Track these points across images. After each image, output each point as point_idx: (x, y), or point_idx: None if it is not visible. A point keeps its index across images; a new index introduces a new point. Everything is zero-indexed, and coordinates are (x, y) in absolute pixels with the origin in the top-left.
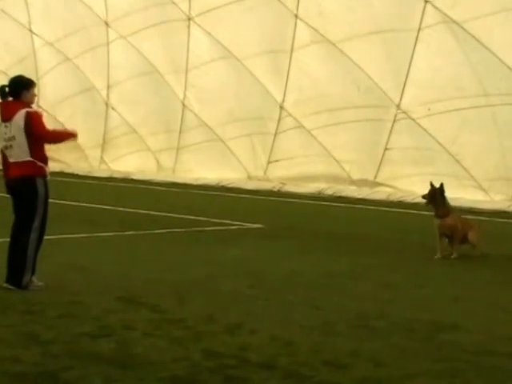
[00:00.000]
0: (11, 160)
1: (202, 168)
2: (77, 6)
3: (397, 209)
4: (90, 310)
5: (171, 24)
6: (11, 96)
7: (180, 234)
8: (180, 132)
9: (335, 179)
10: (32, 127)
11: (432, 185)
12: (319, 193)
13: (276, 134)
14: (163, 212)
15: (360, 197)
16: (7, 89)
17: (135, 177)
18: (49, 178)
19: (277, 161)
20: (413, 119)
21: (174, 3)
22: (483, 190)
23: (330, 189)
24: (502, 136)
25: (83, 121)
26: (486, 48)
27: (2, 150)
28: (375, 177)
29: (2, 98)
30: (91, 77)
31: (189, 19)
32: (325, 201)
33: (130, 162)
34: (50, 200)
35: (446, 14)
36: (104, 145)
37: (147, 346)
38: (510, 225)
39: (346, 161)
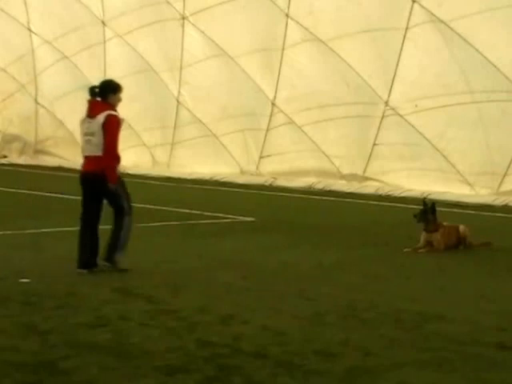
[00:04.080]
0: (85, 153)
1: (195, 163)
2: (74, 5)
3: (385, 202)
4: (86, 300)
5: (166, 23)
6: (99, 96)
7: (174, 227)
8: (174, 128)
9: (325, 174)
10: (106, 129)
11: (425, 203)
12: (310, 187)
13: (268, 129)
14: (158, 206)
15: (349, 191)
16: (97, 90)
17: (131, 171)
18: (119, 173)
19: (268, 156)
20: (401, 116)
21: (168, 3)
22: (469, 184)
23: (320, 183)
24: (487, 132)
25: (81, 117)
26: (472, 46)
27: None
28: (364, 171)
29: (91, 96)
30: (88, 74)
31: (183, 18)
32: (315, 195)
33: (125, 157)
34: (49, 194)
35: (432, 14)
36: None
37: (143, 335)
38: (495, 218)
39: (335, 156)
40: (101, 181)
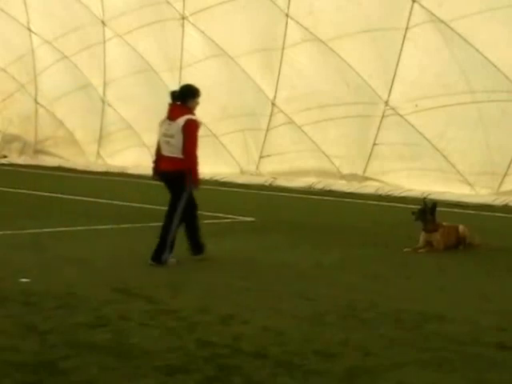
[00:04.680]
0: (164, 153)
1: None
2: (74, 5)
3: (385, 202)
4: (86, 300)
5: (166, 23)
6: (179, 100)
7: None
8: None
9: (325, 174)
10: (186, 133)
11: (425, 203)
12: (309, 187)
13: (268, 129)
14: (158, 206)
15: (349, 191)
16: (177, 93)
17: (131, 171)
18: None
19: (268, 156)
20: (401, 115)
21: (168, 3)
22: (469, 184)
23: (320, 183)
24: (488, 132)
25: (80, 117)
26: (472, 46)
27: (158, 142)
28: (364, 171)
29: (172, 100)
30: (88, 74)
31: (183, 18)
32: (315, 195)
33: (125, 157)
34: (49, 194)
35: (433, 14)
36: (101, 140)
37: (142, 335)
38: (495, 218)
39: (335, 156)
40: (176, 180)
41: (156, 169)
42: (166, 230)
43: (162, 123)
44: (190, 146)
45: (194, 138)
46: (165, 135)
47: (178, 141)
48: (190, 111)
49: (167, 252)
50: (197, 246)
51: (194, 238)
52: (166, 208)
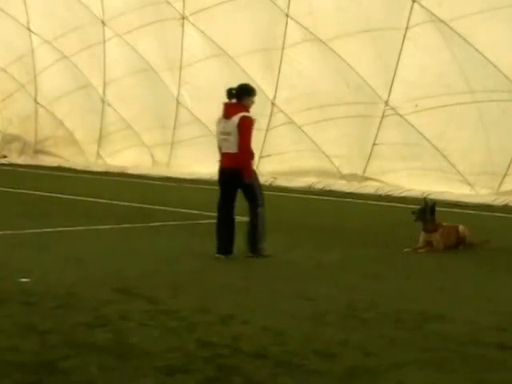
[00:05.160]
0: (223, 150)
1: (195, 163)
2: (74, 5)
3: (385, 202)
4: (86, 300)
5: (166, 23)
6: (236, 98)
7: (174, 227)
8: (174, 128)
9: (325, 174)
10: (241, 130)
11: (426, 203)
12: (309, 187)
13: (267, 129)
14: (158, 205)
15: (349, 191)
16: (234, 91)
17: (131, 171)
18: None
19: (268, 156)
20: (401, 115)
21: (168, 3)
22: (469, 184)
23: (320, 183)
24: (488, 132)
25: (80, 117)
26: (472, 46)
27: (218, 140)
28: (364, 171)
29: (228, 98)
30: (88, 74)
31: (183, 18)
32: (315, 195)
33: (125, 157)
34: (49, 194)
35: (432, 13)
36: (100, 140)
37: (142, 335)
38: (495, 218)
39: (335, 156)
40: (238, 175)
41: (220, 167)
42: (254, 223)
43: (218, 122)
44: (245, 142)
45: (249, 134)
46: (222, 133)
47: (234, 138)
48: (245, 109)
49: (262, 241)
50: (224, 246)
51: (221, 239)
52: (166, 208)
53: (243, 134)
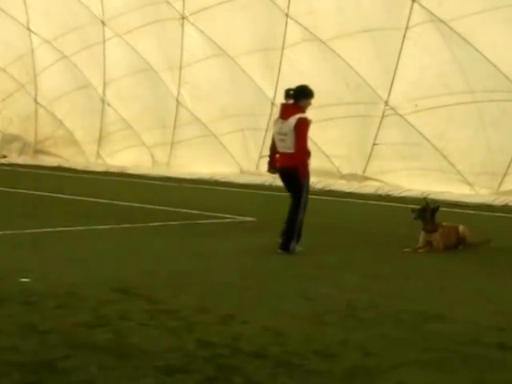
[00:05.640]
0: (280, 150)
1: (195, 163)
2: (74, 5)
3: (385, 202)
4: (86, 300)
5: (166, 23)
6: (293, 99)
7: (174, 227)
8: (174, 128)
9: (325, 173)
10: (297, 130)
11: (427, 203)
12: (309, 187)
13: (267, 129)
14: (158, 205)
15: (349, 191)
16: (291, 92)
17: (131, 171)
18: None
19: (268, 156)
20: (400, 115)
21: (168, 2)
22: (469, 184)
23: (319, 183)
24: (488, 132)
25: (80, 117)
26: (472, 46)
27: (273, 139)
28: (364, 171)
29: (285, 98)
30: (88, 74)
31: (183, 18)
32: (315, 194)
33: (125, 157)
34: (49, 194)
35: (432, 13)
36: (100, 140)
37: (142, 335)
38: (495, 218)
39: (335, 156)
40: (293, 173)
41: (271, 163)
42: (291, 221)
43: (275, 122)
44: (301, 143)
45: (305, 135)
46: (279, 133)
47: (290, 138)
48: (302, 110)
49: (294, 241)
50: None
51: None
52: (166, 208)
53: (299, 135)
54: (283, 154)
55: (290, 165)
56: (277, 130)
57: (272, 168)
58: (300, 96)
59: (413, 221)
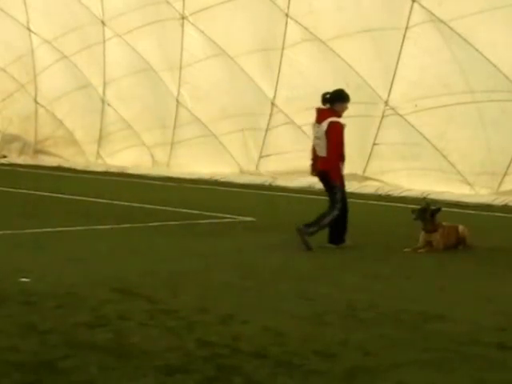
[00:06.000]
0: (317, 154)
1: (195, 163)
2: (74, 5)
3: (385, 202)
4: (86, 300)
5: (166, 23)
6: (328, 103)
7: (174, 227)
8: (174, 128)
9: None
10: (329, 135)
11: (427, 203)
12: (309, 187)
13: (267, 129)
14: (158, 205)
15: (349, 191)
16: (328, 96)
17: (131, 171)
18: (343, 172)
19: (268, 156)
20: (400, 115)
21: (168, 3)
22: (469, 184)
23: (320, 183)
24: (488, 132)
25: (80, 117)
26: (472, 46)
27: (313, 142)
28: (364, 171)
29: (322, 102)
30: (88, 74)
31: (183, 18)
32: (315, 194)
33: (125, 157)
34: (49, 194)
35: (432, 13)
36: (100, 140)
37: (142, 335)
38: (495, 218)
39: None
40: (326, 176)
41: (312, 166)
42: (322, 215)
43: (313, 126)
44: (332, 147)
45: (336, 139)
46: (315, 137)
47: (323, 142)
48: (336, 114)
49: (312, 230)
50: (334, 236)
51: (336, 230)
52: (166, 208)
53: (330, 140)
54: (319, 158)
55: (323, 168)
56: (313, 133)
57: (313, 171)
58: (335, 100)
59: (413, 221)
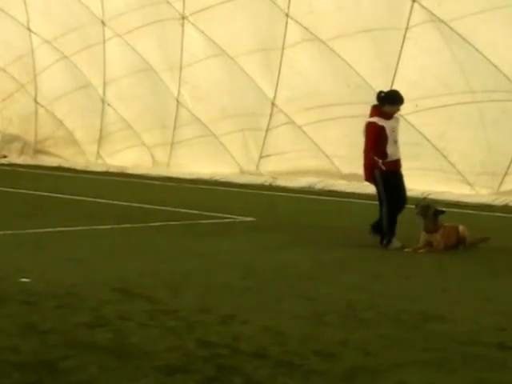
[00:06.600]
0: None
1: (195, 163)
2: (74, 5)
3: None
4: (86, 300)
5: (166, 23)
6: (380, 102)
7: (174, 227)
8: (174, 128)
9: (325, 173)
10: (365, 134)
11: (429, 204)
12: (310, 187)
13: (268, 129)
14: (158, 205)
15: (349, 191)
16: (382, 95)
17: (131, 171)
18: (384, 169)
19: (268, 156)
20: (401, 115)
21: (168, 3)
22: (469, 184)
23: (320, 183)
24: (488, 132)
25: (80, 117)
26: (472, 46)
27: None
28: None
29: (377, 100)
30: (88, 74)
31: (183, 18)
32: (315, 195)
33: (125, 157)
34: (49, 194)
35: (432, 13)
36: (100, 140)
37: (142, 335)
38: (495, 218)
39: (335, 156)
40: (367, 175)
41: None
42: (381, 218)
43: None
44: (365, 146)
45: (371, 139)
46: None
47: (364, 141)
48: (382, 114)
49: (388, 237)
50: (379, 230)
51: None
52: (166, 208)
53: (366, 139)
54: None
55: (364, 167)
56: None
57: None
58: (386, 101)
59: (413, 221)
